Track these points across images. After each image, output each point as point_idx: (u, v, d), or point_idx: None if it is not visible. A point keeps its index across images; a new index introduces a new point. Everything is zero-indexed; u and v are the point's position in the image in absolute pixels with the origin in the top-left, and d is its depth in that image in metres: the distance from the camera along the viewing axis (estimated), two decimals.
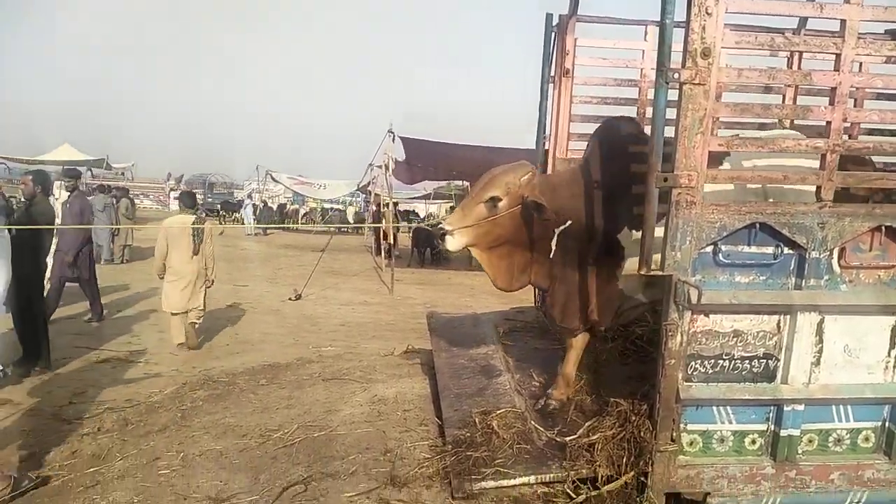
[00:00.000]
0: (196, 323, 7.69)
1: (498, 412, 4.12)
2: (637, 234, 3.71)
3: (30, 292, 6.08)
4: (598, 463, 3.49)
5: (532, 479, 3.57)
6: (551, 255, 4.00)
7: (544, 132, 5.64)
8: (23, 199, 6.51)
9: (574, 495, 3.42)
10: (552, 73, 5.46)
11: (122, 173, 36.46)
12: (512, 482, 3.55)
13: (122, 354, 6.70)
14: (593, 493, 3.39)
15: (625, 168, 3.95)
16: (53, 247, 7.60)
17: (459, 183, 23.17)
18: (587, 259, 4.11)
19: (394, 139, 14.15)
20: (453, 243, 3.97)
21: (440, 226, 4.06)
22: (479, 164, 16.01)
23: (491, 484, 3.53)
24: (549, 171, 5.49)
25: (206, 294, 7.83)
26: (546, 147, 5.64)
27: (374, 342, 8.29)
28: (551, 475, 3.56)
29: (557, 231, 3.93)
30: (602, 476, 3.44)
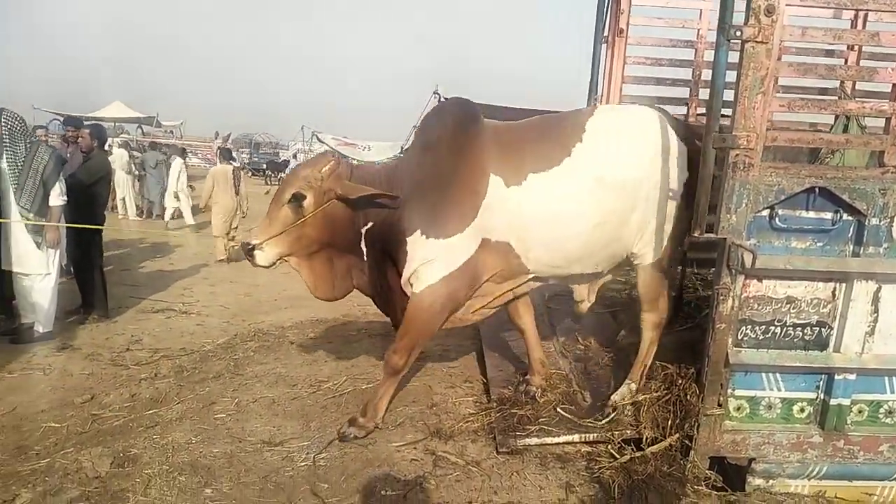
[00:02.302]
0: (234, 245, 9.22)
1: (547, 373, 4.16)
2: (428, 241, 3.48)
3: (87, 243, 6.29)
4: (643, 424, 3.52)
5: (576, 437, 3.63)
6: (365, 258, 3.71)
7: (595, 94, 5.57)
8: (81, 152, 6.67)
9: (618, 455, 3.46)
10: (605, 34, 5.36)
11: (171, 131, 37.07)
12: (556, 440, 3.61)
13: (176, 306, 6.90)
14: (637, 454, 3.42)
15: (443, 160, 3.55)
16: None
17: None
18: (391, 263, 3.72)
19: (438, 100, 14.06)
20: (264, 258, 3.55)
21: (245, 241, 3.61)
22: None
23: (535, 441, 3.60)
24: None
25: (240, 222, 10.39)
26: None
27: None
28: (595, 435, 3.61)
29: (363, 231, 3.64)
30: (647, 437, 3.47)
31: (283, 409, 4.12)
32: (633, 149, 3.51)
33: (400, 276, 3.63)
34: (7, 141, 5.15)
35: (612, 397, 3.81)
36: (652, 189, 3.51)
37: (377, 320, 6.35)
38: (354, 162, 4.11)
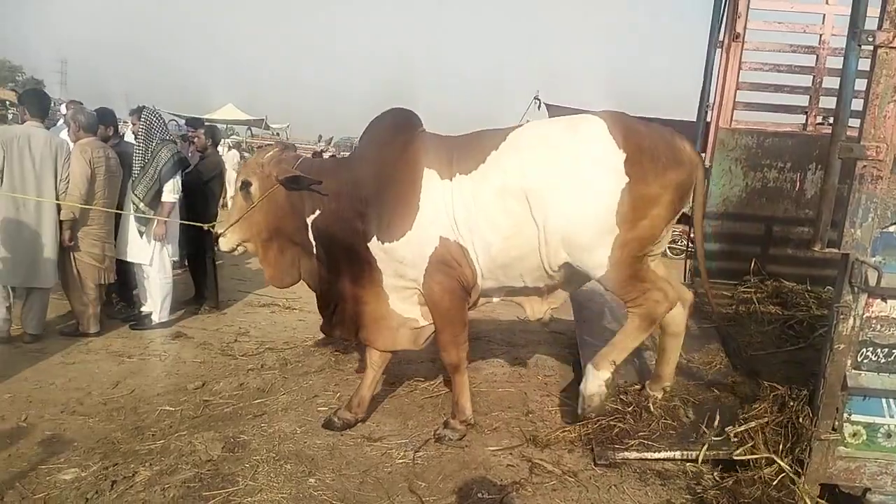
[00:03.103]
0: None
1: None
2: (387, 245, 3.54)
3: (201, 238, 6.63)
4: (750, 446, 3.37)
5: (678, 454, 3.52)
6: (314, 252, 3.82)
7: (707, 101, 5.39)
8: (196, 152, 7.04)
9: (721, 476, 3.33)
10: (721, 38, 5.19)
11: (278, 133, 38.45)
12: (656, 455, 3.52)
13: (280, 301, 7.16)
14: (743, 477, 3.29)
15: (386, 166, 3.62)
16: None
17: None
18: (344, 264, 3.77)
19: (539, 106, 13.98)
20: (225, 243, 3.92)
21: (214, 230, 4.00)
22: None
23: (634, 455, 3.51)
24: (710, 142, 5.26)
25: None
26: (708, 118, 5.40)
27: (510, 307, 8.34)
28: (698, 453, 3.48)
29: (309, 221, 3.74)
30: (754, 460, 3.32)
31: (382, 406, 4.21)
32: (546, 158, 3.43)
33: (355, 281, 3.74)
34: (142, 136, 5.51)
35: (581, 390, 3.62)
36: (574, 199, 3.35)
37: (471, 322, 6.40)
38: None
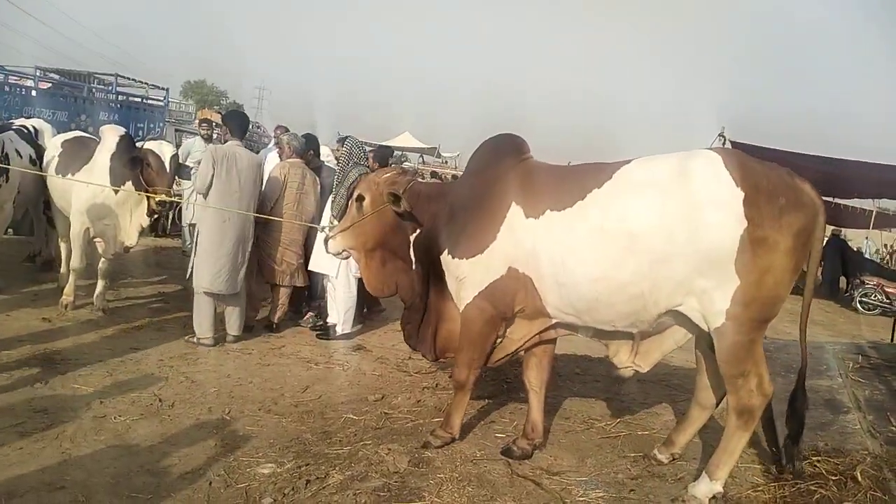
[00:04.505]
0: None
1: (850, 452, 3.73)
2: (455, 261, 3.71)
3: None
4: None
5: None
6: (413, 267, 4.04)
7: None
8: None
9: None
10: None
11: (446, 161, 39.65)
12: None
13: None
14: None
15: (477, 187, 3.79)
16: None
17: None
18: (437, 283, 3.95)
19: (724, 143, 13.28)
20: (333, 246, 4.23)
21: (327, 232, 4.33)
22: (825, 176, 14.35)
23: None
24: None
25: None
26: None
27: (687, 353, 8.01)
28: None
29: (411, 238, 4.01)
30: None
31: (558, 440, 4.19)
32: (659, 199, 3.23)
33: (438, 293, 3.98)
34: (343, 161, 5.94)
35: (688, 489, 3.41)
36: (695, 243, 3.13)
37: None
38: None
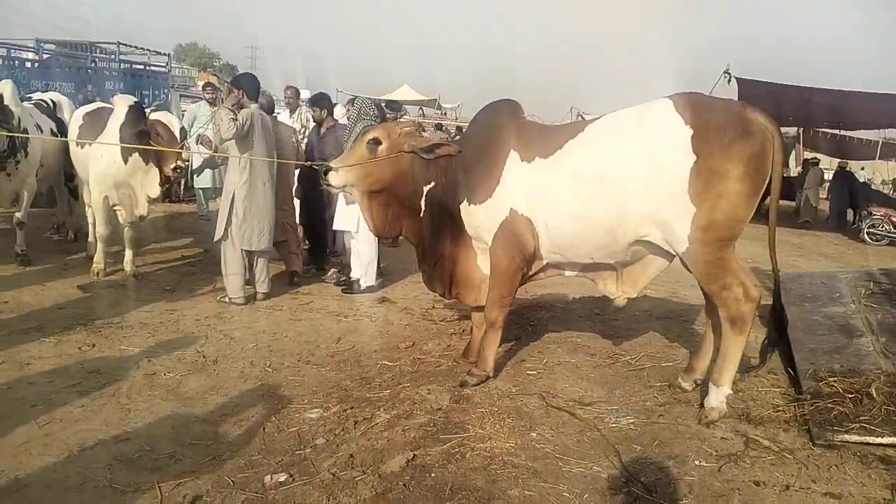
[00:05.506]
0: None
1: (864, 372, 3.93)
2: (472, 208, 4.07)
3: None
4: None
5: None
6: (421, 214, 4.27)
7: None
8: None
9: None
10: None
11: (445, 113, 39.29)
12: (880, 441, 3.42)
13: None
14: None
15: (482, 144, 4.11)
16: None
17: (787, 129, 21.12)
18: (446, 228, 4.25)
19: (729, 80, 13.20)
20: (336, 179, 4.26)
21: (327, 165, 4.37)
22: (831, 109, 14.33)
23: (855, 438, 3.44)
24: None
25: None
26: None
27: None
28: None
29: (426, 189, 4.21)
30: None
31: (587, 374, 4.41)
32: (621, 145, 3.68)
33: (453, 240, 4.28)
34: (354, 119, 6.04)
35: (704, 405, 3.78)
36: (651, 179, 3.55)
37: (660, 303, 6.41)
38: None
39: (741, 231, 3.62)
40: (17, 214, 6.52)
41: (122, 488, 2.90)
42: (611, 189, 3.67)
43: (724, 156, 3.45)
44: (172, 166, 6.14)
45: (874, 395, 3.66)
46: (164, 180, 6.28)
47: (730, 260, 3.62)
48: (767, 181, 3.57)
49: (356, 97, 6.24)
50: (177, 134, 6.34)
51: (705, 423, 3.68)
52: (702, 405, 3.81)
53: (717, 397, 3.71)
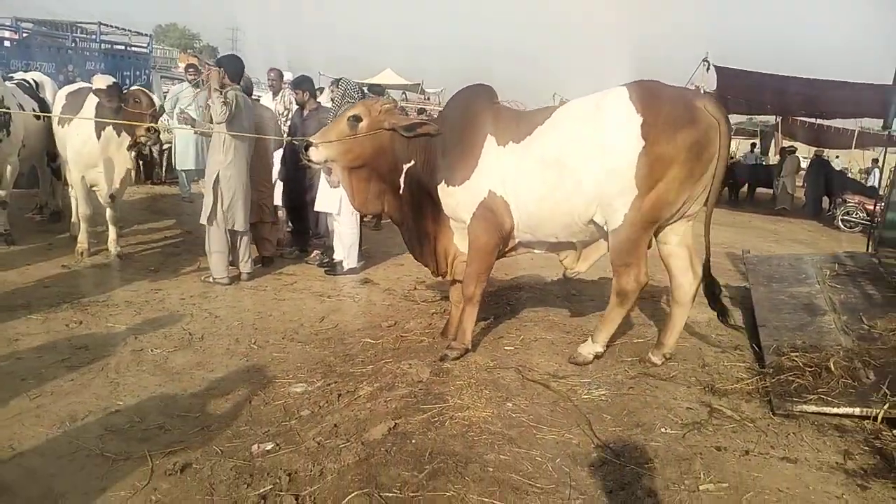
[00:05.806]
0: None
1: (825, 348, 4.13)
2: (450, 189, 4.21)
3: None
4: None
5: (857, 411, 3.60)
6: (401, 192, 4.40)
7: None
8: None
9: None
10: None
11: (429, 98, 39.13)
12: (835, 410, 3.62)
13: None
14: None
15: (460, 127, 4.23)
16: None
17: (767, 118, 21.42)
18: (426, 206, 4.39)
19: (708, 68, 13.39)
20: (316, 154, 4.32)
21: (307, 141, 4.43)
22: (808, 98, 14.60)
23: (813, 409, 3.64)
24: None
25: None
26: None
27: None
28: (879, 412, 3.55)
29: (404, 167, 4.34)
30: None
31: (561, 350, 4.58)
32: (578, 131, 3.94)
33: (433, 219, 4.42)
34: (338, 102, 6.13)
35: (578, 349, 4.37)
36: (603, 163, 3.83)
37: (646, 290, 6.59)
38: None
39: (669, 214, 3.94)
40: (0, 193, 6.54)
41: (113, 457, 3.00)
42: (570, 173, 3.94)
43: (669, 142, 3.72)
44: (145, 128, 5.97)
45: (832, 368, 3.86)
46: (134, 143, 6.10)
47: (644, 243, 4.00)
48: (713, 169, 3.87)
49: (341, 78, 6.30)
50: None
51: (572, 362, 4.30)
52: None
53: (588, 349, 4.34)
